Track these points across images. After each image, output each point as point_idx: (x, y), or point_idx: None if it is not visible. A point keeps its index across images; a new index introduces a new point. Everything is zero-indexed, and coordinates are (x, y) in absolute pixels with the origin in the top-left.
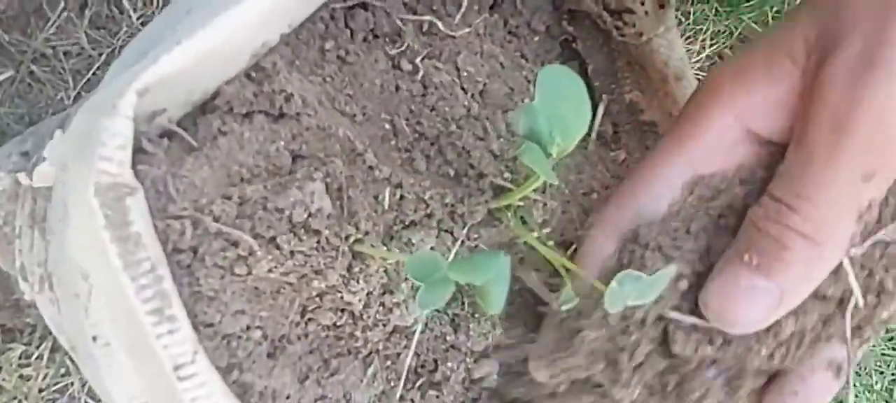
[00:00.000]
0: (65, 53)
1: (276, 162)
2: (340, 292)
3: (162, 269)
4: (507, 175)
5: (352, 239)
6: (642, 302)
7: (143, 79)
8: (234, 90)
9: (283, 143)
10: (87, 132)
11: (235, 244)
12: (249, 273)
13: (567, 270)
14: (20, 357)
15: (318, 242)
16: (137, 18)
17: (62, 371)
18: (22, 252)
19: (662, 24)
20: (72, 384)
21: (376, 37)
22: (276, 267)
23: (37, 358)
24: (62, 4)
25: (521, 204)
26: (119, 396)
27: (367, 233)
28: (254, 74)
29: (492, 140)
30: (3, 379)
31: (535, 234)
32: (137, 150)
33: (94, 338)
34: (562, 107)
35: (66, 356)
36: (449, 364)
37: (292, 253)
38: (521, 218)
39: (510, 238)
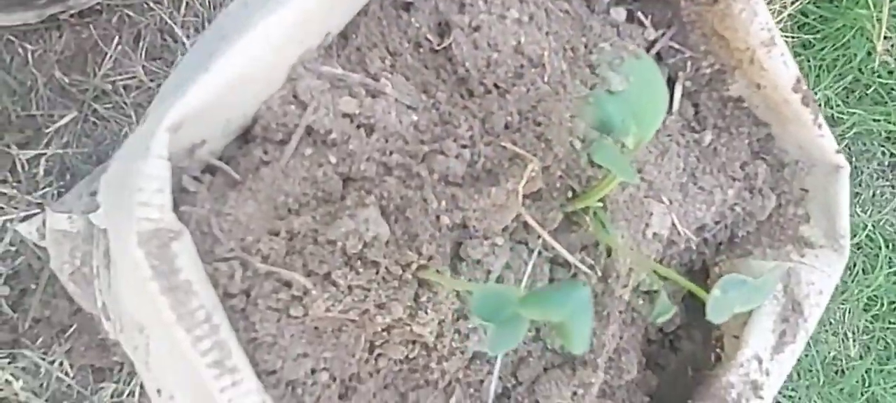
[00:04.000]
0: (125, 88)
1: (325, 187)
2: (409, 325)
3: (217, 317)
4: (584, 172)
5: (415, 266)
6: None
7: (173, 114)
8: (274, 114)
9: (331, 167)
10: (123, 179)
11: (288, 284)
12: (306, 313)
13: (660, 277)
14: (112, 396)
15: (378, 273)
16: (191, 45)
17: None
18: (102, 291)
19: None
20: None
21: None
22: (334, 304)
23: (129, 395)
24: (116, 39)
25: (601, 204)
26: None
27: (430, 258)
28: (294, 94)
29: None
30: None
31: (620, 237)
32: (179, 190)
33: (159, 391)
34: (633, 91)
35: None
36: (546, 386)
37: (350, 288)
38: (601, 221)
39: (593, 242)
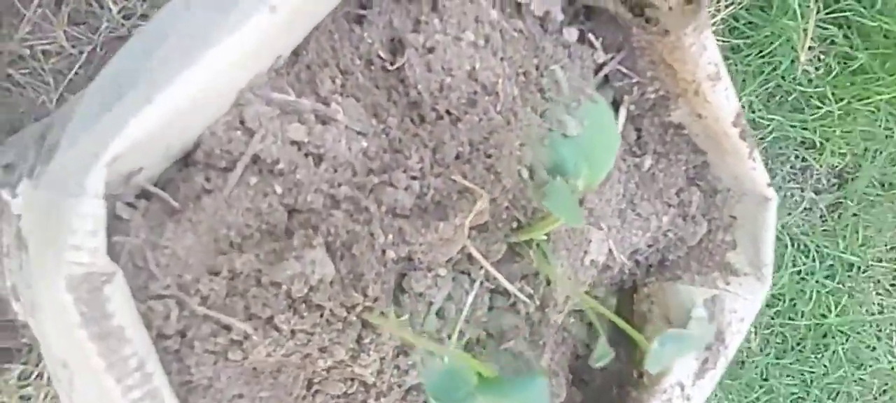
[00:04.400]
0: (43, 53)
1: (269, 220)
2: (350, 366)
3: (151, 365)
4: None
5: (359, 309)
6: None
7: (112, 149)
8: (219, 140)
9: (277, 197)
10: (52, 213)
11: (227, 328)
12: (245, 358)
13: (599, 317)
14: (19, 378)
15: (322, 317)
16: (118, 12)
17: None
18: (12, 271)
19: (692, 23)
20: None
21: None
22: (275, 349)
23: (37, 377)
24: (37, 1)
25: (545, 237)
26: None
27: (376, 299)
28: (241, 119)
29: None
30: (4, 401)
31: (559, 267)
32: (112, 217)
33: None
34: (587, 135)
35: None
36: None
37: (293, 332)
38: (544, 252)
39: (533, 271)
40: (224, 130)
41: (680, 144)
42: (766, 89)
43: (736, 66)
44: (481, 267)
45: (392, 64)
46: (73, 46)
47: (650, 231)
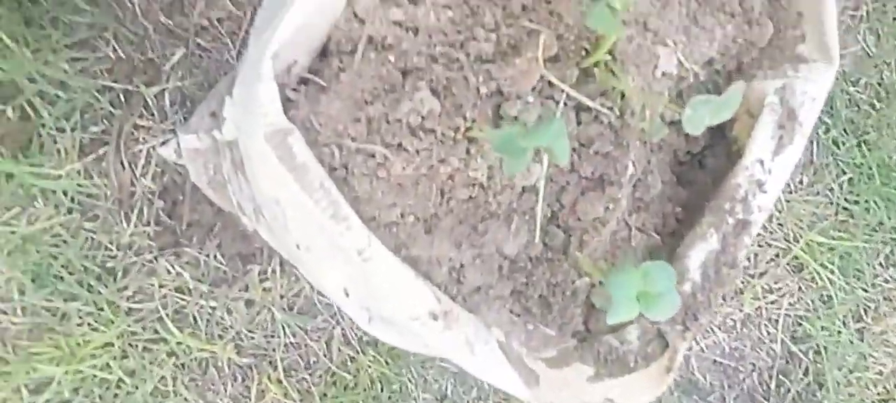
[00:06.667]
0: (219, 20)
1: (389, 81)
2: (465, 171)
3: (328, 183)
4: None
5: (462, 128)
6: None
7: (273, 46)
8: (342, 31)
9: (391, 64)
10: (247, 99)
11: (372, 155)
12: (389, 174)
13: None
14: (259, 275)
15: (436, 137)
16: None
17: (293, 278)
18: (235, 193)
19: None
20: (303, 287)
21: None
22: (407, 165)
23: (272, 272)
24: None
25: (610, 56)
26: (329, 285)
27: (473, 120)
28: (354, 13)
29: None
30: (251, 294)
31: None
32: (284, 100)
33: (298, 246)
34: None
35: (292, 266)
36: (584, 205)
37: (417, 151)
38: (611, 70)
39: (610, 89)
40: (344, 23)
41: None
42: None
43: None
44: (563, 92)
45: None
46: (237, 9)
47: (717, 40)
